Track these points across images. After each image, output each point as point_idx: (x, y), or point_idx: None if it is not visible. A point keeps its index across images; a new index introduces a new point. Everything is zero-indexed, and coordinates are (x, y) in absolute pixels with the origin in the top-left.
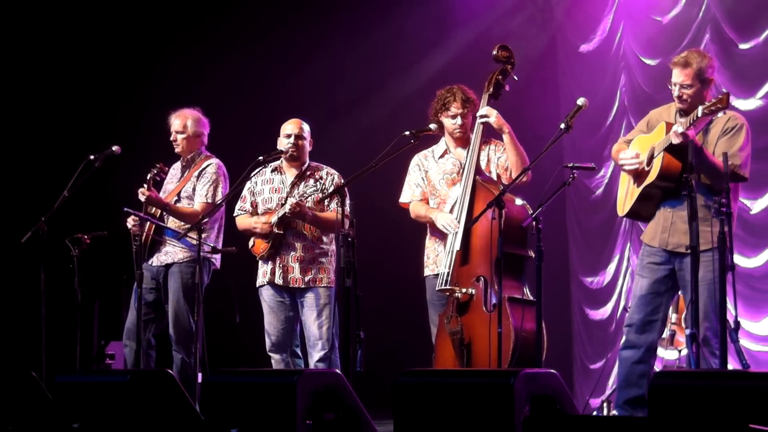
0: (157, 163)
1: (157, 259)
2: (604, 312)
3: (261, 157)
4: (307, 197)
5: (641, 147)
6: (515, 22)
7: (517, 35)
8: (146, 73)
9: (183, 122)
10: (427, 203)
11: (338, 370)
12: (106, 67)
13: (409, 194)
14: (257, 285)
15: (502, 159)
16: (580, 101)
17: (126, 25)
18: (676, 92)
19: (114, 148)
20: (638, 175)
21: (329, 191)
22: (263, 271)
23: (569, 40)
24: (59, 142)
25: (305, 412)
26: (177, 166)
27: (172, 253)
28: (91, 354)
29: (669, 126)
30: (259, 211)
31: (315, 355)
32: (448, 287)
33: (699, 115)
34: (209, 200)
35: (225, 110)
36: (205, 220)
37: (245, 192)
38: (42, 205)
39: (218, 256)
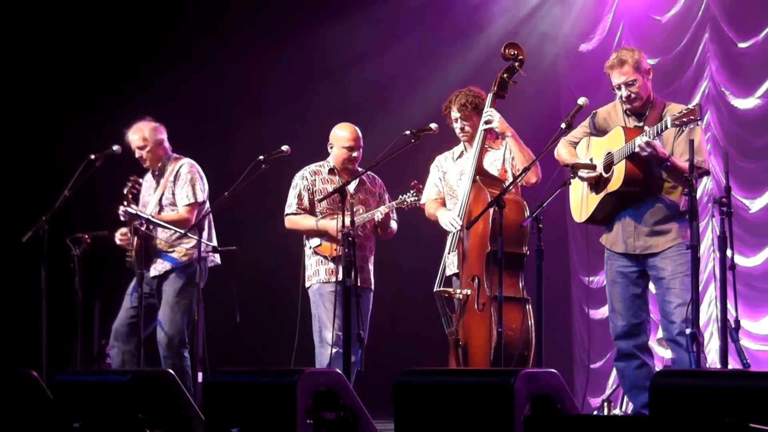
0: (131, 176)
1: (154, 269)
2: (604, 312)
3: (261, 157)
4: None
5: (594, 152)
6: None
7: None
8: (146, 73)
9: (141, 135)
10: (443, 203)
11: (338, 370)
12: (106, 67)
13: (425, 195)
14: (315, 281)
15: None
16: (581, 101)
17: (126, 26)
18: (624, 93)
19: (114, 147)
20: (596, 182)
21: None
22: (328, 269)
23: (569, 39)
24: (59, 141)
25: (306, 411)
26: (149, 178)
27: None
28: (92, 354)
29: (628, 132)
30: (318, 211)
31: (359, 352)
32: (442, 289)
33: (668, 125)
34: (191, 201)
35: (223, 110)
36: (193, 221)
37: (301, 191)
38: (43, 205)
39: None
